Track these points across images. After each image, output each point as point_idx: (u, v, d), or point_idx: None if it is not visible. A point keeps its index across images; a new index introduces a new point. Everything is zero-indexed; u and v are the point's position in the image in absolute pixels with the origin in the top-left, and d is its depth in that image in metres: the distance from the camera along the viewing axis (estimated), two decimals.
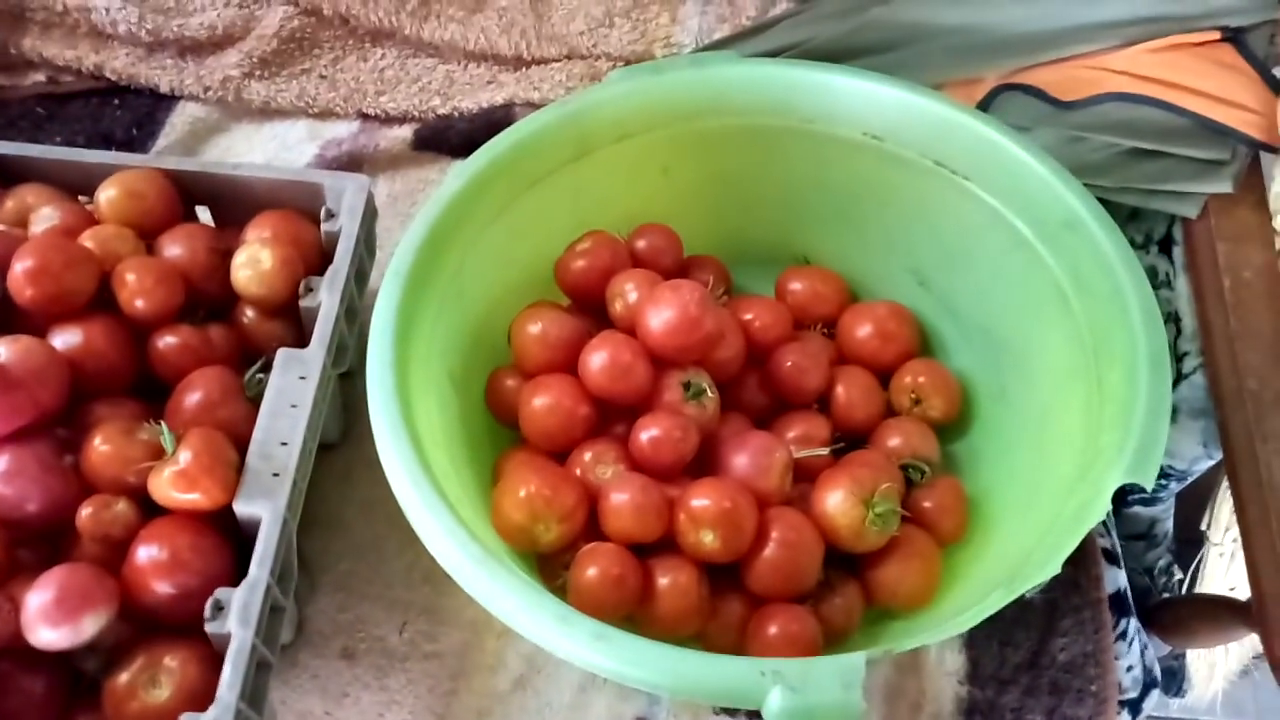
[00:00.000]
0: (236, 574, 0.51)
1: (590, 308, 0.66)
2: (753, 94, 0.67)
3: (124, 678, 0.49)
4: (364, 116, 0.84)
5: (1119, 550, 0.68)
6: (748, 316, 0.66)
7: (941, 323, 0.69)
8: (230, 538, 0.53)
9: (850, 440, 0.64)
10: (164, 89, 0.84)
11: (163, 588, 0.50)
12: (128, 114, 0.83)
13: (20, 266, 0.56)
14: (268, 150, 0.83)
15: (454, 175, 0.62)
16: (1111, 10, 0.73)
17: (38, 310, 0.57)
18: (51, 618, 0.46)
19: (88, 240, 0.59)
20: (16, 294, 0.57)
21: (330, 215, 0.65)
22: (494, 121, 0.83)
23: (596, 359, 0.59)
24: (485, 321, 0.65)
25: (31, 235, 0.61)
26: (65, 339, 0.56)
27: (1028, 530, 0.53)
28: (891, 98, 0.65)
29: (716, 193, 0.73)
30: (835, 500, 0.55)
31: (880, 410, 0.65)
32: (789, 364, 0.64)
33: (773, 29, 0.80)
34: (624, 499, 0.55)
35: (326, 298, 0.60)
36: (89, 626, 0.47)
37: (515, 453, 0.61)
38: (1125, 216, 0.74)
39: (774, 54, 0.68)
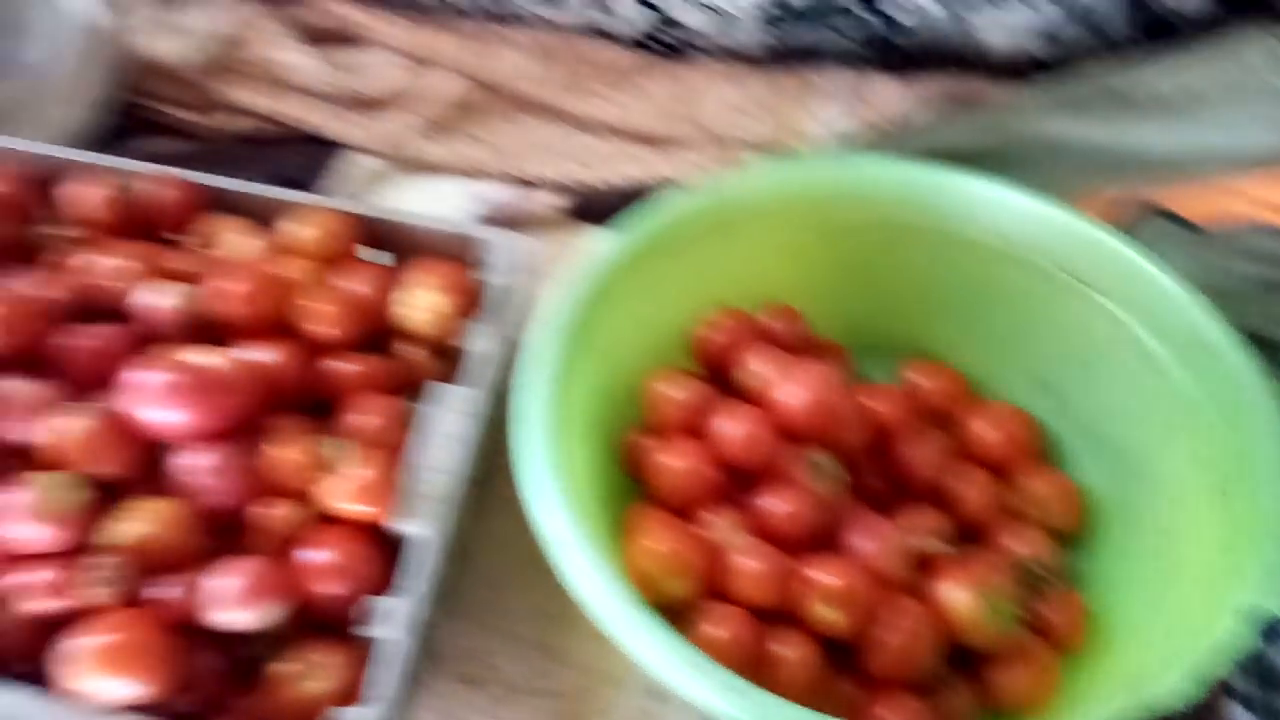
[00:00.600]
0: (390, 587, 0.56)
1: (720, 377, 0.70)
2: (892, 191, 0.71)
3: (284, 667, 0.53)
4: (518, 181, 0.90)
5: (1255, 696, 0.67)
6: (871, 403, 0.69)
7: (1063, 429, 0.71)
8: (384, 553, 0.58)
9: (969, 540, 0.66)
10: (343, 140, 0.91)
11: (329, 589, 0.54)
12: (310, 160, 0.90)
13: (225, 286, 0.62)
14: (426, 205, 0.89)
15: (610, 243, 0.67)
16: (1256, 136, 0.75)
17: (235, 327, 0.63)
18: (239, 602, 0.51)
19: (279, 268, 0.66)
20: (218, 312, 0.63)
21: (491, 268, 0.70)
22: (634, 195, 0.88)
23: (729, 428, 0.63)
24: (620, 380, 0.69)
25: (228, 260, 0.68)
26: (257, 355, 0.61)
27: (1151, 649, 0.54)
28: (1027, 208, 0.68)
29: (844, 280, 0.76)
30: (956, 594, 0.57)
31: (998, 512, 0.67)
32: (910, 455, 0.67)
33: (910, 133, 0.84)
34: (752, 564, 0.58)
35: (484, 343, 0.65)
36: (268, 614, 0.52)
37: (644, 507, 0.65)
38: (1262, 345, 0.75)
39: (909, 156, 0.72)
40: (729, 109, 0.93)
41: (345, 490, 0.55)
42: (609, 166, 0.91)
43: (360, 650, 0.54)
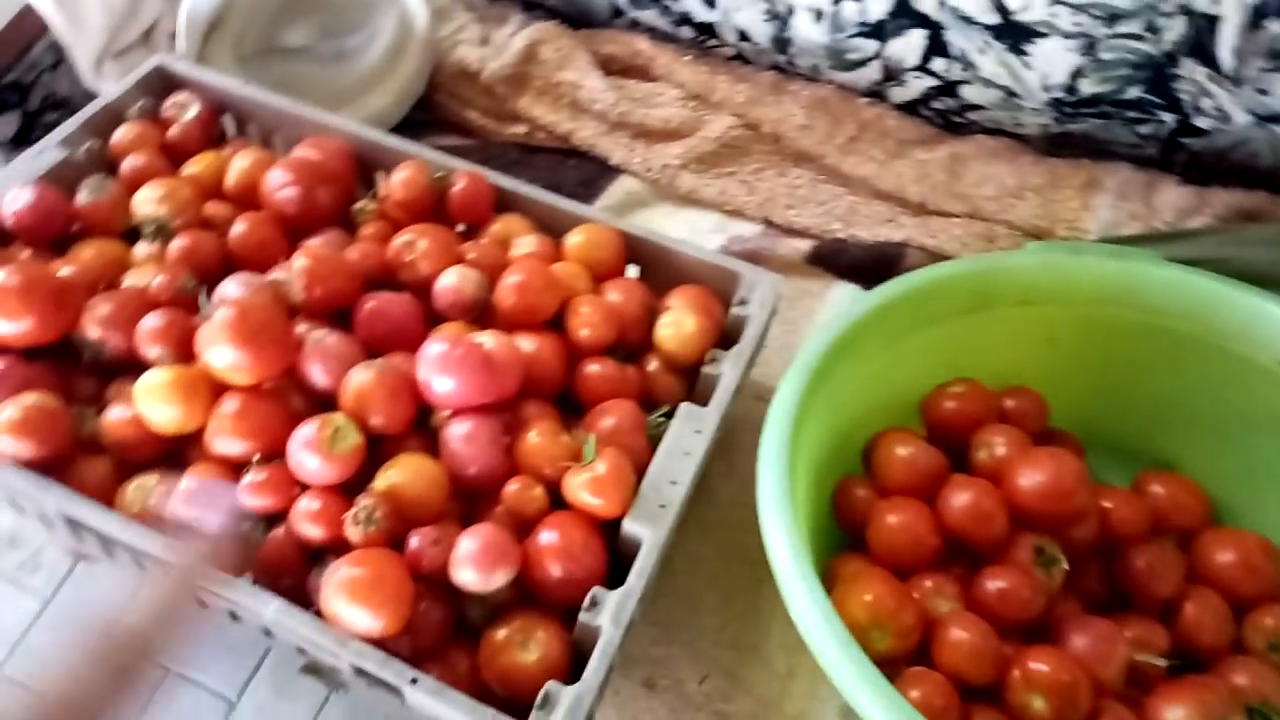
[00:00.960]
0: (607, 581, 0.59)
1: (947, 445, 0.70)
2: (1169, 297, 0.69)
3: (502, 633, 0.57)
4: (769, 223, 0.94)
5: None
6: (1106, 505, 0.67)
7: None
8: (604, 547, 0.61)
9: (1186, 663, 0.62)
10: (613, 161, 0.98)
11: (554, 570, 0.58)
12: (579, 174, 0.98)
13: (511, 280, 0.69)
14: (679, 232, 0.94)
15: (865, 298, 0.69)
16: None
17: (512, 317, 0.69)
18: (476, 563, 0.56)
19: (559, 271, 0.71)
20: (499, 300, 0.69)
21: (743, 302, 0.74)
22: (885, 255, 0.90)
23: (961, 498, 0.63)
24: (845, 431, 0.70)
25: (515, 256, 0.74)
26: (526, 345, 0.67)
27: None
28: None
29: (1095, 375, 0.74)
30: (1177, 717, 0.55)
31: (1229, 642, 0.63)
32: (1141, 564, 0.64)
33: (1189, 239, 0.81)
34: (964, 637, 0.57)
35: (729, 371, 0.68)
36: (498, 579, 0.56)
37: (854, 559, 0.65)
38: None
39: (1187, 264, 0.70)
40: (1001, 190, 0.92)
41: (584, 483, 0.59)
42: (866, 226, 0.92)
43: (567, 633, 0.58)
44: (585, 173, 0.98)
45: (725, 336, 0.73)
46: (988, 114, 0.98)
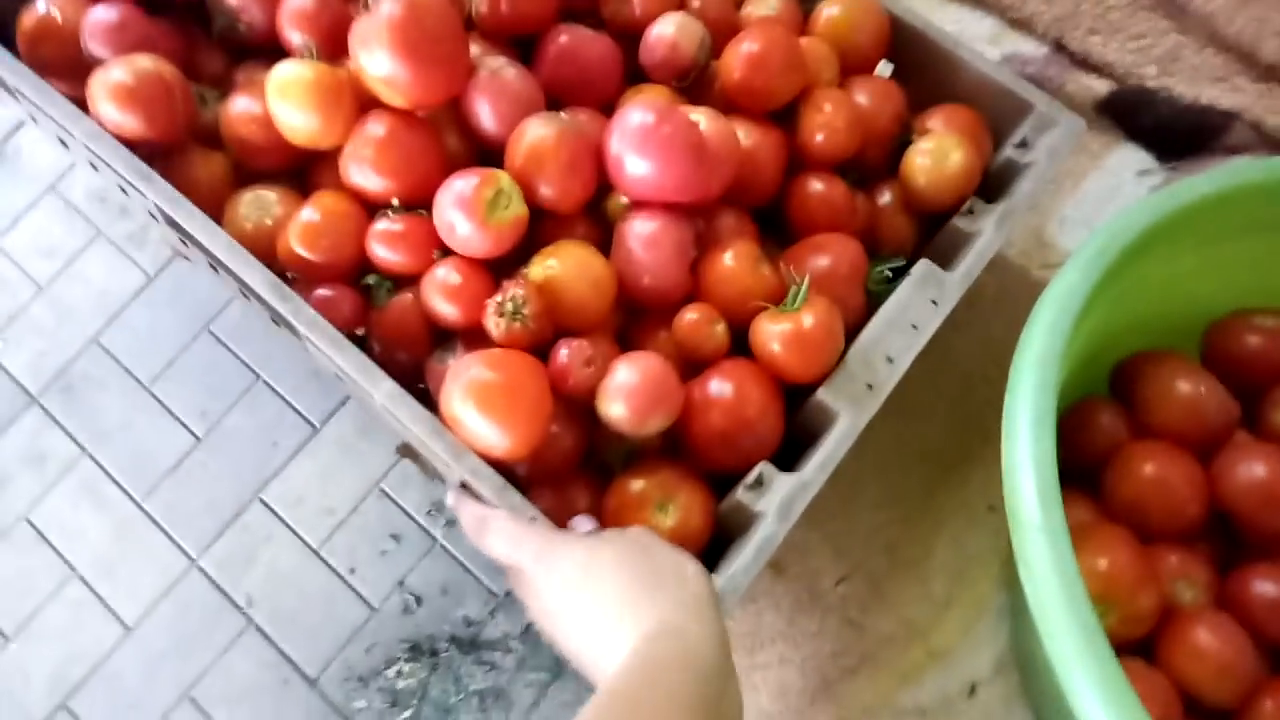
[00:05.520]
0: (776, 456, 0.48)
1: (1238, 389, 0.54)
2: None
3: (638, 485, 0.47)
4: (1059, 47, 0.73)
5: None
6: None
7: None
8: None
9: None
10: None
11: (718, 427, 0.46)
12: None
13: (744, 49, 0.53)
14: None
15: (1195, 182, 0.51)
16: None
17: (731, 95, 0.53)
18: (631, 400, 0.44)
19: (800, 48, 0.55)
20: (723, 70, 0.54)
21: (1023, 144, 0.56)
22: (1203, 124, 0.69)
23: (1251, 470, 0.48)
24: (1105, 341, 0.55)
25: (750, 18, 0.58)
26: (744, 136, 0.52)
27: None
28: None
29: None
30: None
31: None
32: None
33: None
34: (1211, 643, 0.45)
35: (989, 231, 0.53)
36: (653, 425, 0.45)
37: (1082, 502, 0.52)
38: None
39: None
40: None
41: (781, 333, 0.46)
42: (1189, 80, 0.71)
43: (713, 503, 0.47)
44: None
45: (986, 183, 0.57)
46: None
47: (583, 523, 0.45)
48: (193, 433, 0.69)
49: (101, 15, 0.52)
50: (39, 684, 0.63)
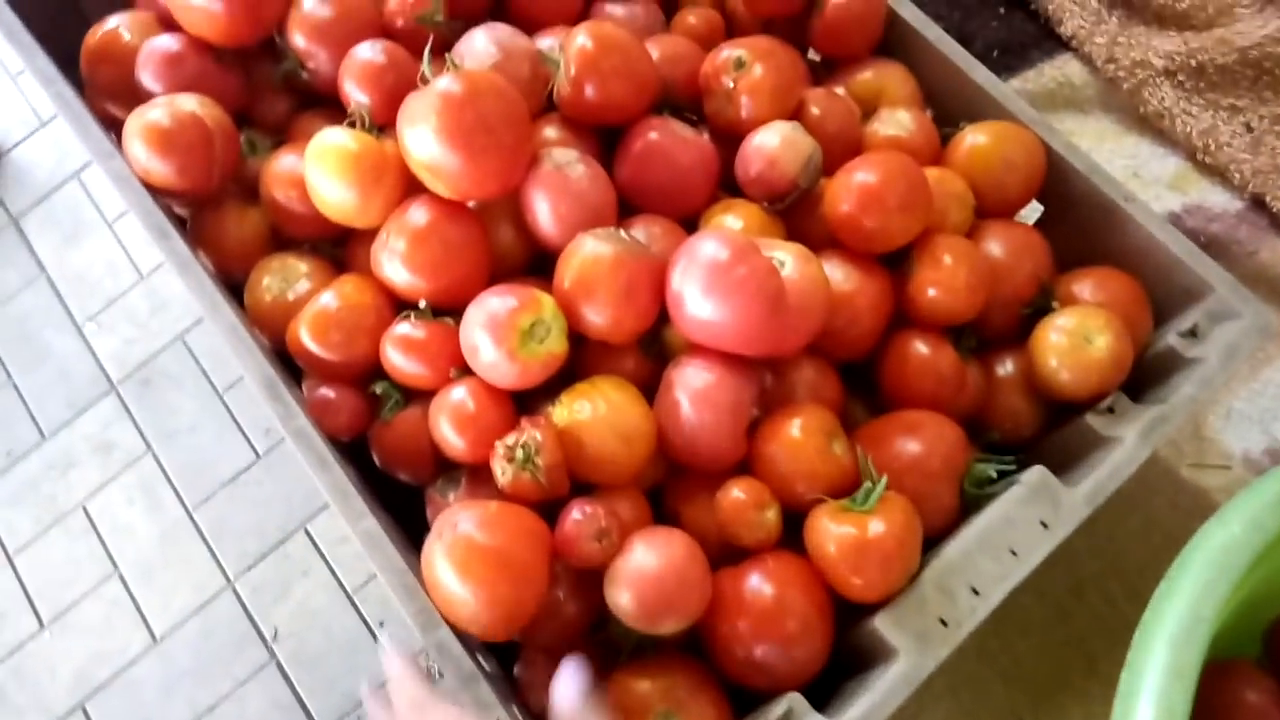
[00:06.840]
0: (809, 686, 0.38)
1: None
2: None
3: (641, 688, 0.38)
4: (1258, 203, 0.62)
5: None
6: None
7: None
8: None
9: None
10: (1063, 29, 0.67)
11: (747, 641, 0.38)
12: (1004, 31, 0.68)
13: (858, 178, 0.44)
14: (1114, 167, 0.64)
15: None
16: None
17: (834, 229, 0.45)
18: (643, 595, 0.36)
19: (929, 181, 0.45)
20: (829, 198, 0.45)
21: (1192, 333, 0.46)
22: None
23: None
24: (1264, 597, 0.43)
25: (875, 136, 0.49)
26: (840, 280, 0.43)
27: None
28: None
29: None
30: None
31: None
32: None
33: None
34: None
35: (1134, 442, 0.42)
36: (667, 626, 0.37)
37: None
38: None
39: None
40: None
41: (844, 538, 0.37)
42: None
43: (728, 716, 0.39)
44: (1014, 31, 0.68)
45: (1137, 373, 0.46)
46: None
47: (571, 671, 0.36)
48: (254, 448, 0.68)
49: (159, 45, 0.47)
50: (64, 679, 0.63)
